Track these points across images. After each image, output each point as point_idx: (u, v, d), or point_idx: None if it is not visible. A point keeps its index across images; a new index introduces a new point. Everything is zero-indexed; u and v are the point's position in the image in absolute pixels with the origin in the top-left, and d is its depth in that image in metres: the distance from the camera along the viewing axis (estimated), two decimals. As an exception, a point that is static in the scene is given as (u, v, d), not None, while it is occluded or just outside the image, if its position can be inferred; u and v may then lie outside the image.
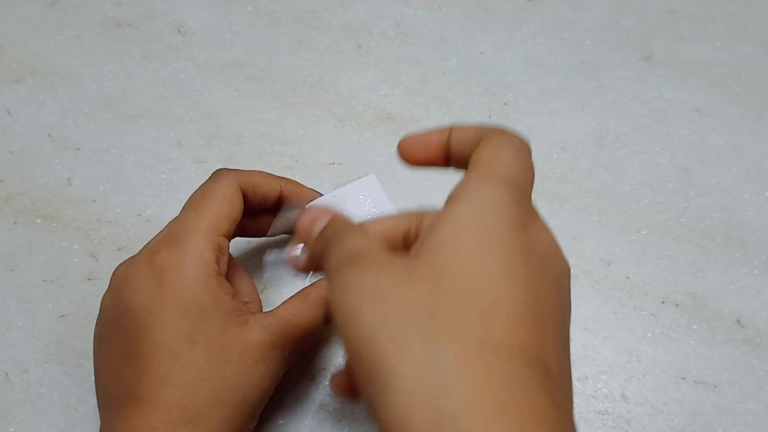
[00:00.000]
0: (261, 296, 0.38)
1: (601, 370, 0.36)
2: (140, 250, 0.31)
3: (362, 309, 0.20)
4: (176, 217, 0.32)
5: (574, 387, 0.36)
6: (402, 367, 0.19)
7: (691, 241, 0.40)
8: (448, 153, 0.27)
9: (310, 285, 0.33)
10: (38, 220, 0.40)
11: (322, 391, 0.35)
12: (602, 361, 0.36)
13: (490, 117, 0.43)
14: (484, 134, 0.25)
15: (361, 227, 0.25)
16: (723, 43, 0.46)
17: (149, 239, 0.39)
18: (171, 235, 0.30)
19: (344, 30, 0.47)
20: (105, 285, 0.38)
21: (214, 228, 0.30)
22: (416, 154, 0.28)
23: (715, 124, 0.43)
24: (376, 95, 0.44)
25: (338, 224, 0.25)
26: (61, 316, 0.37)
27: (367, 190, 0.35)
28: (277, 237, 0.37)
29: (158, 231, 0.40)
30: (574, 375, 0.36)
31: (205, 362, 0.28)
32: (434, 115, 0.43)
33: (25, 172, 0.41)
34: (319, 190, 0.36)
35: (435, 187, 0.41)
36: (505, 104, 0.44)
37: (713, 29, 0.47)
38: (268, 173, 0.34)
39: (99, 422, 0.35)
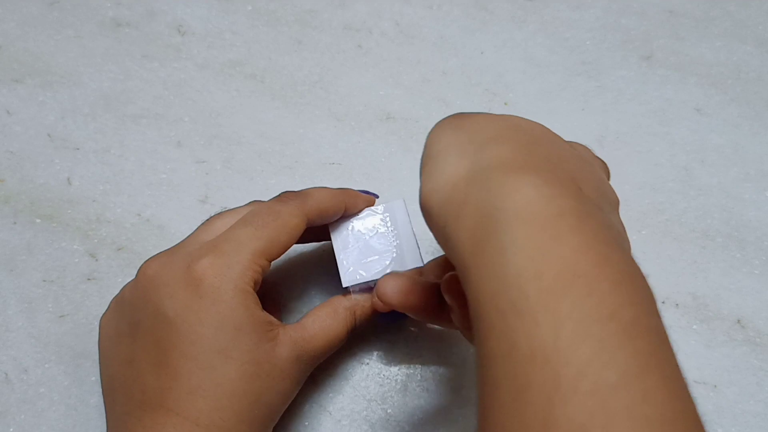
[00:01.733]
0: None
1: (601, 370, 0.36)
2: (176, 251, 0.30)
3: (443, 132, 0.26)
4: (230, 226, 0.30)
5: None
6: (456, 176, 0.23)
7: (691, 241, 0.39)
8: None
9: (338, 296, 0.33)
10: (38, 220, 0.40)
11: (322, 391, 0.35)
12: (602, 361, 0.36)
13: (490, 117, 0.43)
14: None
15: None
16: (723, 43, 0.46)
17: (149, 239, 0.39)
18: (219, 246, 0.29)
19: (344, 30, 0.47)
20: (105, 285, 0.38)
21: (265, 251, 0.30)
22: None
23: (715, 124, 0.43)
24: (376, 95, 0.44)
25: None
26: (60, 316, 0.37)
27: (392, 215, 0.35)
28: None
29: (158, 231, 0.40)
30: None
31: (238, 378, 0.27)
32: (434, 115, 0.43)
33: (24, 172, 0.41)
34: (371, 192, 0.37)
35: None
36: (505, 104, 0.44)
37: (713, 29, 0.47)
38: (332, 192, 0.33)
39: (98, 422, 0.35)
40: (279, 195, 0.32)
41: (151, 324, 0.28)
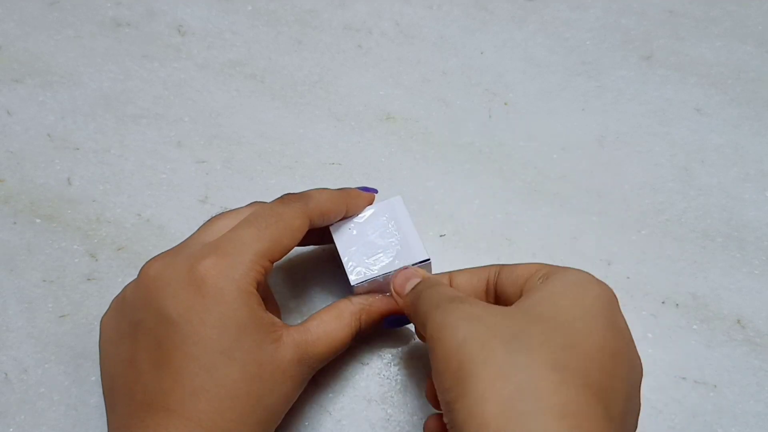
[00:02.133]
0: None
1: (601, 370, 0.36)
2: (178, 251, 0.30)
3: (459, 324, 0.24)
4: (233, 227, 0.30)
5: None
6: (484, 369, 0.22)
7: (691, 241, 0.40)
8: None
9: (344, 299, 0.33)
10: (38, 220, 0.40)
11: (322, 391, 0.35)
12: (602, 361, 0.36)
13: (490, 117, 0.43)
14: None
15: (448, 282, 0.30)
16: (723, 43, 0.46)
17: (149, 239, 0.39)
18: (222, 246, 0.29)
19: (344, 30, 0.47)
20: (105, 285, 0.38)
21: (268, 253, 0.29)
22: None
23: (715, 124, 0.43)
24: (376, 95, 0.44)
25: (431, 280, 0.30)
26: (60, 316, 0.37)
27: (391, 212, 0.35)
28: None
29: (158, 231, 0.40)
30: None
31: (240, 379, 0.27)
32: (434, 115, 0.43)
33: (24, 172, 0.41)
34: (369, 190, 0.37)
35: (434, 186, 0.41)
36: (505, 104, 0.44)
37: (713, 29, 0.47)
38: (333, 193, 0.33)
39: (98, 422, 0.35)
40: (281, 197, 0.32)
41: (152, 324, 0.28)
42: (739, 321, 0.37)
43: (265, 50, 0.46)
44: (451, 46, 0.46)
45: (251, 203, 0.33)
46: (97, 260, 0.39)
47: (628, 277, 0.39)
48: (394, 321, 0.34)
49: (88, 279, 0.38)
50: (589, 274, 0.27)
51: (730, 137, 0.43)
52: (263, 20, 0.47)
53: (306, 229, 0.31)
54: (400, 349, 0.37)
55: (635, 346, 0.27)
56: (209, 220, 0.32)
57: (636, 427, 0.25)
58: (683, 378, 0.36)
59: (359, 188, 0.35)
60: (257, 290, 0.29)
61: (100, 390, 0.35)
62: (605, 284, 0.27)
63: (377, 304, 0.33)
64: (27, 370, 0.36)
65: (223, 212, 0.33)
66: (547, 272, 0.28)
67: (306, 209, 0.31)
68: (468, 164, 0.42)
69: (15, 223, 0.40)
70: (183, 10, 0.47)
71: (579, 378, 0.22)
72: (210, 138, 0.42)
